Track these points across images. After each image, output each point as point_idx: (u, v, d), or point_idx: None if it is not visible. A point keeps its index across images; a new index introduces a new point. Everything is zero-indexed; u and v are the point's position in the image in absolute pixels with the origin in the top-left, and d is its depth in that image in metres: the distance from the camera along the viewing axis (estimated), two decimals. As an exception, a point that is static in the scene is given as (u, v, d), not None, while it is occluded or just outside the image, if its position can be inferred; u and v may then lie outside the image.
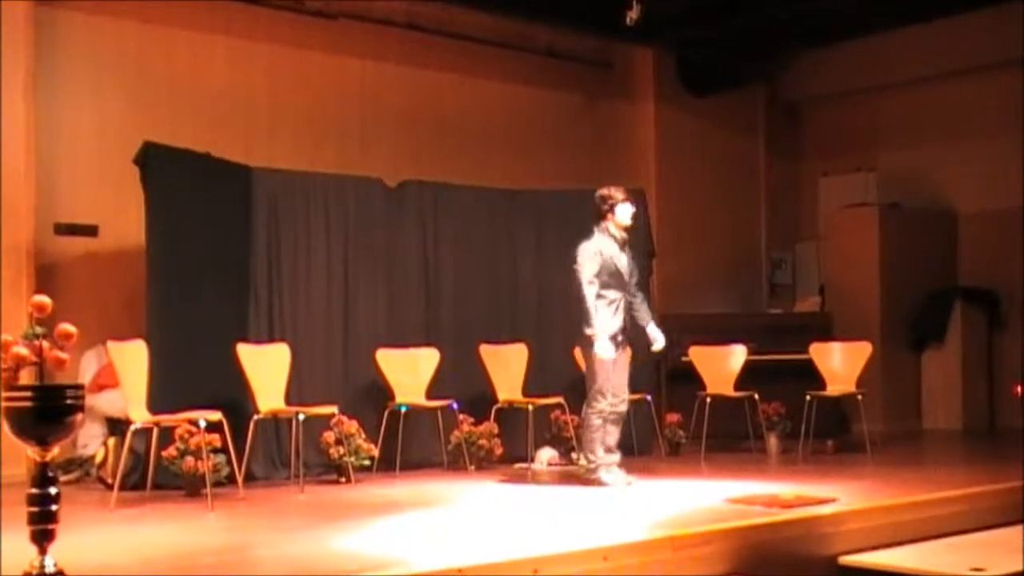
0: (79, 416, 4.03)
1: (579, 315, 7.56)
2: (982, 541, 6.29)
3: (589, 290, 7.53)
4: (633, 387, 9.60)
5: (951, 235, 12.51)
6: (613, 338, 7.59)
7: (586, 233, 7.76)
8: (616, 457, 7.75)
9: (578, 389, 9.45)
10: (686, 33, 11.28)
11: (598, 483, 7.59)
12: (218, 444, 7.24)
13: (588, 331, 7.53)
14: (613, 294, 7.62)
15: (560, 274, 9.80)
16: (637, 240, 10.17)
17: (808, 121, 13.69)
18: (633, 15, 9.40)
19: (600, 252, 7.62)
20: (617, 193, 7.74)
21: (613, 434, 7.76)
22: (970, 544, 6.19)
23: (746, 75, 12.61)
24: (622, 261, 7.69)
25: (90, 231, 8.87)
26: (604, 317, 7.55)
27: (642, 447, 9.72)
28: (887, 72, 12.42)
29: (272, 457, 8.36)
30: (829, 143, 13.40)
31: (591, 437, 7.70)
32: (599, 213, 7.72)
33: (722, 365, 9.75)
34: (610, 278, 7.61)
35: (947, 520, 6.45)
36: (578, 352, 9.40)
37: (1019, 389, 11.62)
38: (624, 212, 7.71)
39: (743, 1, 10.65)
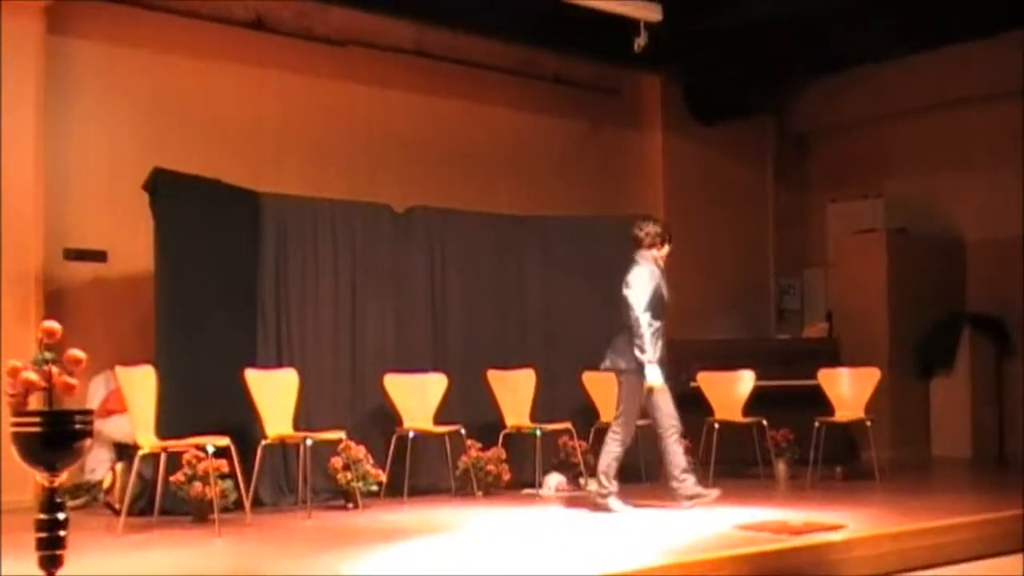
0: (87, 441, 4.05)
1: (630, 342, 7.51)
2: (989, 568, 6.26)
3: (644, 317, 7.51)
4: (640, 413, 9.63)
5: (959, 262, 12.49)
6: (660, 364, 7.58)
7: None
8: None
9: (586, 414, 9.47)
10: (693, 62, 11.31)
11: (607, 509, 7.57)
12: (226, 469, 7.25)
13: (644, 358, 7.48)
14: (657, 322, 7.61)
15: (567, 299, 9.90)
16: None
17: (816, 149, 13.70)
18: (641, 42, 9.45)
19: (652, 280, 7.63)
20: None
21: (680, 454, 7.74)
22: (979, 571, 6.17)
23: (754, 104, 12.64)
24: (664, 291, 7.72)
25: (99, 257, 8.91)
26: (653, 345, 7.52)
27: (650, 473, 9.69)
28: (894, 101, 12.44)
29: (280, 483, 8.36)
30: (837, 170, 13.41)
31: (609, 463, 7.68)
32: (651, 243, 7.74)
33: (730, 391, 9.74)
34: (657, 306, 7.62)
35: (955, 548, 6.42)
36: (587, 377, 9.43)
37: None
38: (669, 245, 7.82)
39: (750, 31, 10.69)
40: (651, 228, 7.79)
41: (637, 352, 7.49)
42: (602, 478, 7.72)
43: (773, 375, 10.44)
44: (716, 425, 9.51)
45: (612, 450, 7.70)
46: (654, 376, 7.51)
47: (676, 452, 7.71)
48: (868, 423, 9.22)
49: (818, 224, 13.57)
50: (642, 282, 7.58)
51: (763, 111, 12.89)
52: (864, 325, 11.96)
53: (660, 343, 7.63)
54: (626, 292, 7.56)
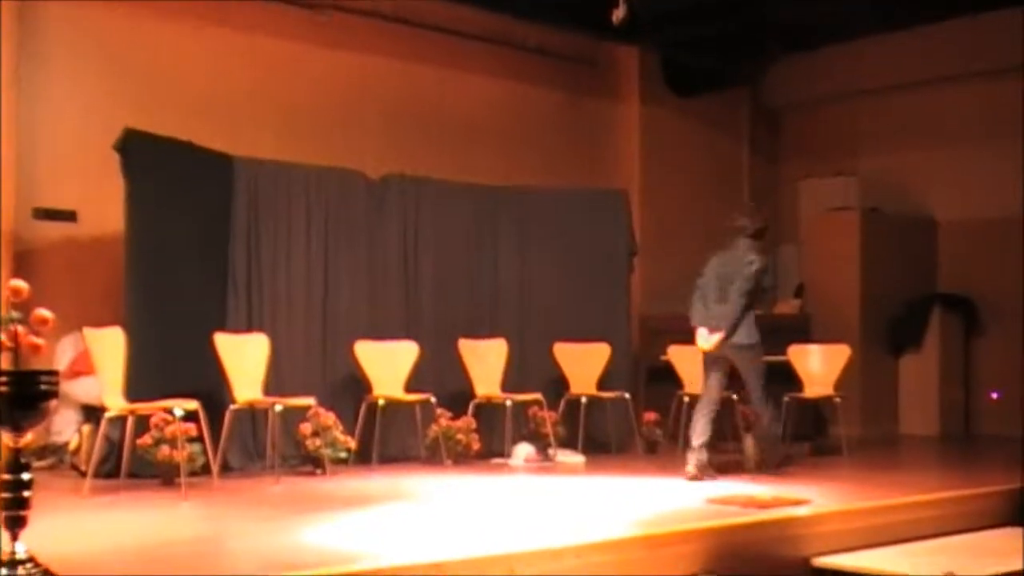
0: (53, 402, 4.01)
1: (737, 320, 8.00)
2: (955, 545, 6.32)
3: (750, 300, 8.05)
4: (611, 386, 9.67)
5: (930, 241, 12.56)
6: None
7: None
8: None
9: (556, 386, 9.49)
10: (671, 34, 11.27)
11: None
12: (194, 433, 7.21)
13: (754, 338, 8.08)
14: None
15: (540, 270, 9.90)
16: (618, 240, 10.25)
17: (790, 125, 13.72)
18: (619, 14, 9.39)
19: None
20: None
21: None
22: (943, 548, 6.22)
23: (730, 78, 12.62)
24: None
25: (69, 216, 8.81)
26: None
27: (619, 446, 9.74)
28: (869, 78, 12.46)
29: (248, 448, 8.33)
30: (811, 147, 13.43)
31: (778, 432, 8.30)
32: (762, 234, 8.39)
33: (701, 365, 9.74)
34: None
35: (921, 524, 6.48)
36: (558, 348, 9.45)
37: (994, 396, 11.70)
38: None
39: (728, 4, 10.66)
40: (761, 221, 8.52)
41: (751, 331, 8.06)
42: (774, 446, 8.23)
43: (744, 350, 10.47)
44: (686, 399, 9.53)
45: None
46: (759, 352, 8.20)
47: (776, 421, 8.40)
48: (837, 400, 9.28)
49: (791, 201, 13.59)
50: (765, 270, 8.27)
51: (739, 85, 12.88)
52: (835, 303, 12.02)
53: None
54: (756, 268, 8.12)
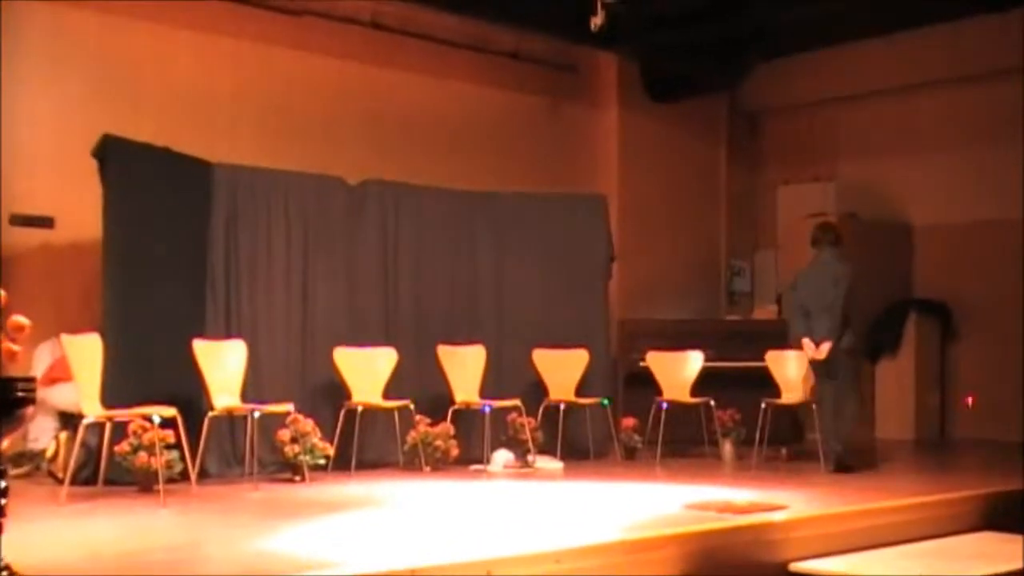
0: (30, 409, 3.97)
1: (842, 327, 8.65)
2: (931, 550, 6.36)
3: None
4: (590, 392, 9.69)
5: (907, 247, 12.64)
6: None
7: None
8: None
9: (535, 392, 9.50)
10: (650, 40, 11.32)
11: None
12: (172, 440, 7.19)
13: (853, 342, 8.75)
14: None
15: (518, 276, 9.90)
16: (597, 245, 10.27)
17: (768, 130, 13.78)
18: (598, 21, 9.42)
19: None
20: None
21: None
22: (920, 552, 6.26)
23: (708, 84, 12.68)
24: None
25: (46, 223, 8.78)
26: None
27: (598, 451, 9.76)
28: (847, 84, 12.54)
29: (226, 454, 8.31)
30: (789, 153, 13.50)
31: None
32: (841, 240, 9.07)
33: (679, 371, 9.80)
34: None
35: (897, 528, 6.51)
36: (537, 355, 9.47)
37: (970, 400, 11.77)
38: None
39: (706, 11, 10.71)
40: (837, 228, 9.34)
41: (851, 333, 8.72)
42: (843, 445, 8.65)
43: (722, 356, 10.53)
44: (664, 404, 9.56)
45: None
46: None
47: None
48: (814, 405, 9.31)
49: (770, 207, 13.65)
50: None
51: (718, 90, 12.93)
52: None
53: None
54: (845, 279, 8.76)
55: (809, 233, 9.29)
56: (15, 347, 3.98)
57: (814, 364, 8.80)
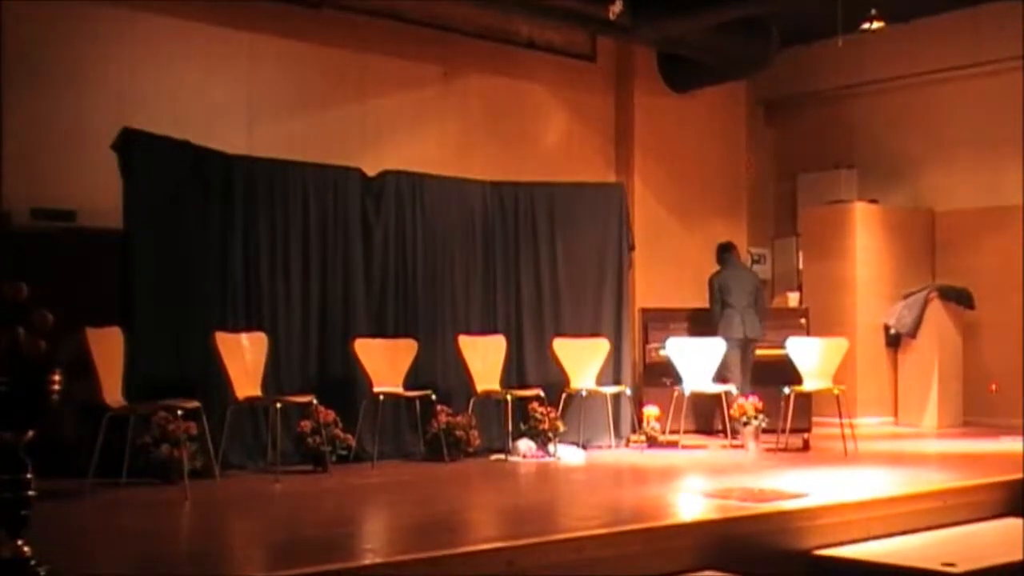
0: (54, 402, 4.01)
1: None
2: (954, 537, 6.34)
3: None
4: (611, 380, 9.69)
5: (928, 233, 12.59)
6: None
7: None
8: None
9: (556, 381, 9.50)
10: (668, 29, 11.27)
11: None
12: (195, 432, 7.22)
13: None
14: None
15: (539, 266, 9.89)
16: (617, 234, 10.25)
17: (788, 118, 13.73)
18: (615, 10, 9.41)
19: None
20: None
21: None
22: (942, 540, 6.24)
23: (727, 72, 12.61)
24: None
25: (68, 217, 8.80)
26: None
27: (619, 439, 9.75)
28: (867, 71, 12.49)
29: (249, 446, 8.33)
30: (809, 140, 13.45)
31: None
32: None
33: (699, 359, 9.78)
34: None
35: (920, 516, 6.49)
36: (557, 344, 9.47)
37: (994, 386, 11.70)
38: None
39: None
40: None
41: None
42: None
43: (743, 344, 10.50)
44: (686, 392, 9.54)
45: None
46: None
47: None
48: (836, 392, 9.29)
49: (790, 194, 13.61)
50: None
51: (737, 78, 12.87)
52: (834, 295, 12.05)
53: None
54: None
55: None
56: (39, 340, 4.00)
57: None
